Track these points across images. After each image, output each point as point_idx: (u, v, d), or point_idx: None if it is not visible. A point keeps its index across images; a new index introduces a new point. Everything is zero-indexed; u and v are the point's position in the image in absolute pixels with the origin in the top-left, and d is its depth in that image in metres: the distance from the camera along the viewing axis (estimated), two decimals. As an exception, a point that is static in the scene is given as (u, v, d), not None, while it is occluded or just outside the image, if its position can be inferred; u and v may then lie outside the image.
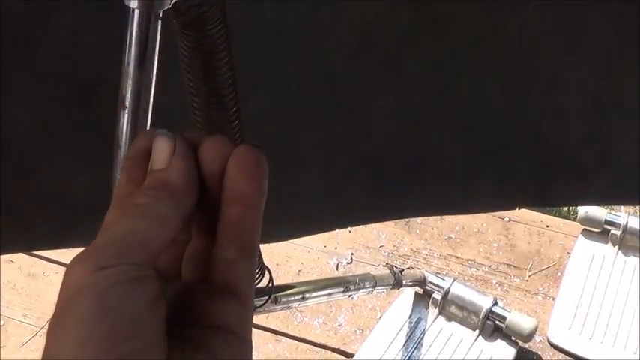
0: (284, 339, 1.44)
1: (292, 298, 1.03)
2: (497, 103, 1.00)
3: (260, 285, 0.88)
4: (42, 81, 0.82)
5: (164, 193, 0.40)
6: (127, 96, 0.64)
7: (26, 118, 0.84)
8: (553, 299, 1.50)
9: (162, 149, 0.42)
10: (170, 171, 0.41)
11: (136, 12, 0.61)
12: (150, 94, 0.64)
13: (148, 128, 0.66)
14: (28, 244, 1.08)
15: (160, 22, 0.61)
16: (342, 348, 1.43)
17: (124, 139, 0.66)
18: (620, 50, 0.95)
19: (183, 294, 0.41)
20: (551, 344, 1.43)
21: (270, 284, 0.90)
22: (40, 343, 1.44)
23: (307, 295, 1.07)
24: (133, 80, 0.63)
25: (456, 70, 0.94)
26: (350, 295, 1.22)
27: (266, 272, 0.88)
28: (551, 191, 1.12)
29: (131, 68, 0.62)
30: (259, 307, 0.94)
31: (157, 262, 0.38)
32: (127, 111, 0.64)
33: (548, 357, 1.41)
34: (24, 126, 0.84)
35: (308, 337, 1.45)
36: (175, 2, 0.61)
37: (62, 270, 1.52)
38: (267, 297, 0.94)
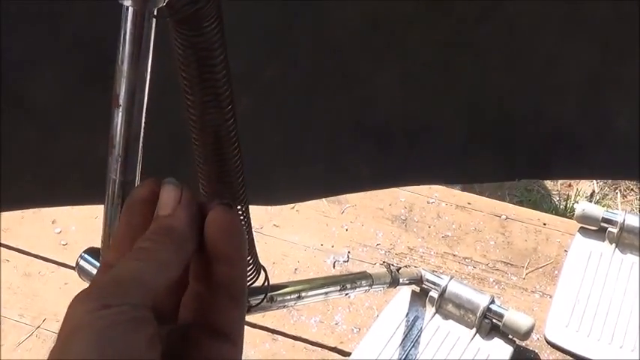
0: (280, 338, 1.44)
1: (288, 298, 1.03)
2: (497, 77, 1.02)
3: (256, 284, 0.87)
4: (66, 47, 0.84)
5: (168, 238, 0.42)
6: (121, 94, 0.63)
7: (50, 83, 0.87)
8: (550, 297, 1.50)
9: (169, 197, 0.44)
10: (175, 218, 0.43)
11: (130, 10, 0.60)
12: (144, 92, 0.64)
13: (142, 129, 0.66)
14: (53, 200, 1.14)
15: (154, 20, 0.61)
16: (339, 347, 1.43)
17: (118, 138, 0.66)
18: (619, 27, 0.96)
19: (179, 335, 0.43)
20: (549, 342, 1.43)
21: (266, 284, 0.89)
22: (36, 342, 1.43)
23: (304, 294, 1.06)
24: (127, 78, 0.62)
25: (459, 46, 0.97)
26: (347, 294, 1.21)
27: (262, 272, 0.87)
28: (550, 165, 1.15)
29: (125, 66, 0.61)
30: (255, 306, 0.93)
31: (155, 303, 0.40)
32: (121, 109, 0.64)
33: (546, 355, 1.41)
34: (48, 90, 0.88)
35: (304, 336, 1.44)
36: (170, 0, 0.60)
37: (58, 269, 1.53)
38: (263, 296, 0.93)
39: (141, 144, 0.68)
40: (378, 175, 1.18)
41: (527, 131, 1.11)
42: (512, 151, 1.14)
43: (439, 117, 1.09)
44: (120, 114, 0.64)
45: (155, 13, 0.60)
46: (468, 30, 0.97)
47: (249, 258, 0.82)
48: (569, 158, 1.14)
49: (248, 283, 0.84)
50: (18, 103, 0.91)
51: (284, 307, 1.06)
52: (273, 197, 1.25)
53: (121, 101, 0.63)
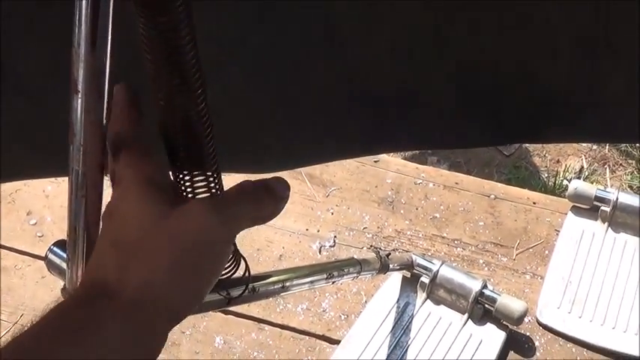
0: (267, 327, 1.40)
1: (272, 288, 0.98)
2: (489, 42, 1.01)
3: (236, 276, 0.83)
4: (52, 15, 0.81)
5: None
6: (79, 80, 0.58)
7: (36, 52, 0.88)
8: (541, 278, 1.47)
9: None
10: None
11: None
12: (104, 77, 0.59)
13: (104, 116, 0.62)
14: (45, 171, 1.20)
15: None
16: (327, 334, 1.39)
17: (78, 126, 0.61)
18: None
19: None
20: (540, 324, 1.40)
21: (247, 274, 0.85)
22: (13, 338, 1.38)
23: (288, 284, 1.02)
24: (85, 63, 0.57)
25: (450, 11, 0.96)
26: (334, 282, 1.17)
27: (242, 262, 0.83)
28: (541, 129, 1.15)
29: (82, 50, 0.56)
30: (237, 298, 0.89)
31: None
32: (79, 96, 0.59)
33: (537, 337, 1.38)
34: (35, 60, 0.89)
35: (291, 324, 1.41)
36: None
37: (34, 262, 1.48)
38: (244, 287, 0.89)
39: (104, 131, 0.64)
40: (368, 141, 1.17)
41: (518, 95, 1.09)
42: (502, 114, 1.12)
43: (429, 82, 1.07)
44: (79, 101, 0.59)
45: None
46: None
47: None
48: (560, 122, 1.13)
49: (227, 275, 0.80)
50: (4, 75, 0.91)
51: (267, 297, 1.03)
52: (262, 164, 1.23)
53: (79, 87, 0.58)
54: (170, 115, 0.63)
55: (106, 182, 0.73)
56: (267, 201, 0.66)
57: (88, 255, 0.77)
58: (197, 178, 0.66)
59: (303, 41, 0.98)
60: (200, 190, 0.67)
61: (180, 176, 0.66)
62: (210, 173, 0.67)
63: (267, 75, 1.02)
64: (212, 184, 0.68)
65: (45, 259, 0.95)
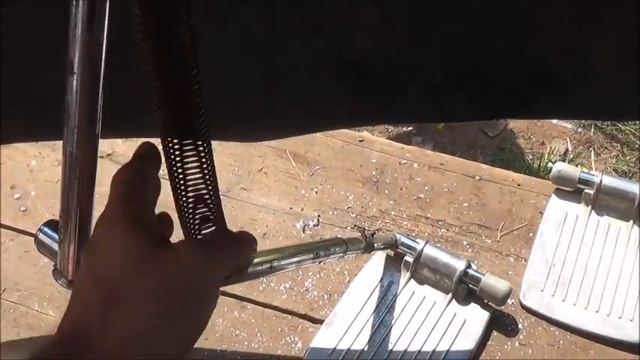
0: (249, 305, 1.40)
1: (260, 269, 0.98)
2: (478, 17, 1.02)
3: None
4: None
5: None
6: (75, 61, 0.57)
7: (25, 19, 0.87)
8: (525, 261, 1.47)
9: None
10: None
11: None
12: (101, 59, 0.58)
13: (99, 97, 0.62)
14: (34, 134, 1.24)
15: None
16: (310, 314, 1.39)
17: (73, 108, 0.61)
18: None
19: None
20: (524, 307, 1.40)
21: None
22: (-4, 313, 1.37)
23: (275, 263, 1.02)
24: (81, 43, 0.56)
25: None
26: (320, 262, 1.17)
27: None
28: (529, 104, 1.16)
29: (79, 30, 0.56)
30: (225, 279, 0.88)
31: None
32: (75, 77, 0.58)
33: (521, 320, 1.38)
34: (23, 26, 0.88)
35: (274, 303, 1.40)
36: None
37: (17, 236, 1.47)
38: (232, 269, 0.88)
39: (99, 113, 0.63)
40: (356, 113, 1.19)
41: (507, 70, 1.10)
42: (490, 89, 1.13)
43: (418, 56, 1.08)
44: (74, 82, 0.59)
45: None
46: None
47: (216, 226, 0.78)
48: (547, 97, 1.14)
49: None
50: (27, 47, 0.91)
51: (256, 278, 1.03)
52: (251, 134, 1.31)
53: (75, 68, 0.57)
54: (163, 93, 0.62)
55: (100, 164, 0.72)
56: (245, 249, 0.71)
57: (80, 236, 0.77)
58: (187, 147, 0.66)
59: (292, 14, 0.98)
60: (189, 159, 0.67)
61: (170, 145, 0.65)
62: (200, 142, 0.67)
63: (255, 47, 1.02)
64: (202, 154, 0.68)
65: (35, 238, 0.95)
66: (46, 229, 0.95)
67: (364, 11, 1.00)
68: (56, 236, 0.90)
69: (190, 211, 0.72)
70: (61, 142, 0.75)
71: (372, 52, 1.07)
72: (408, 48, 1.07)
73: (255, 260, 0.99)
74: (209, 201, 0.73)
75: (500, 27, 1.03)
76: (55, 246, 0.88)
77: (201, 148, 0.68)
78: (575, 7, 1.00)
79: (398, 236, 1.40)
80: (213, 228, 0.74)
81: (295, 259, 1.09)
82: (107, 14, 0.58)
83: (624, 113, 1.36)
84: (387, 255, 1.43)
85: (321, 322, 1.36)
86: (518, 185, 1.62)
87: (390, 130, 2.84)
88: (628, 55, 1.04)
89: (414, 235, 1.50)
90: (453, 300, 1.36)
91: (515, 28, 1.04)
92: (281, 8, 0.98)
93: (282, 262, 1.06)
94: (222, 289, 1.37)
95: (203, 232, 0.74)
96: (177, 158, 0.66)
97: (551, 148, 2.47)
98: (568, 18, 1.01)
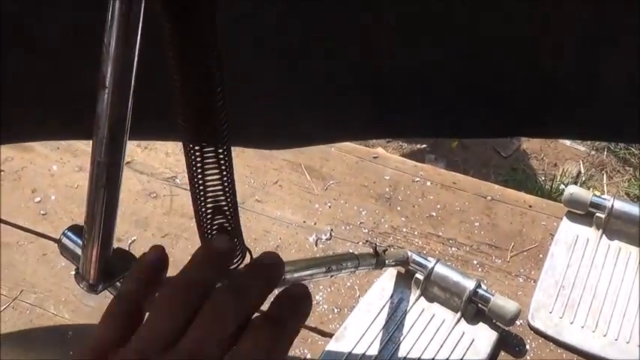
0: (261, 317, 1.41)
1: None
2: (492, 35, 1.04)
3: (241, 267, 0.84)
4: None
5: None
6: (107, 76, 0.60)
7: (62, 20, 0.90)
8: (534, 282, 1.48)
9: None
10: None
11: None
12: (132, 74, 0.61)
13: (128, 110, 0.64)
14: (69, 134, 1.23)
15: (143, 2, 0.57)
16: (320, 327, 1.40)
17: (103, 120, 0.63)
18: None
19: None
20: (532, 328, 1.41)
21: None
22: (12, 314, 1.40)
23: (289, 276, 1.04)
24: (114, 60, 0.59)
25: (455, 2, 0.99)
26: (332, 276, 1.19)
27: (247, 254, 0.84)
28: (541, 123, 1.18)
29: (112, 48, 0.59)
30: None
31: None
32: (106, 91, 0.61)
33: (529, 341, 1.39)
34: (60, 27, 0.91)
35: (285, 316, 1.41)
36: None
37: (37, 240, 1.49)
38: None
39: (128, 125, 0.65)
40: (371, 126, 1.21)
41: (520, 89, 1.12)
42: (503, 107, 1.15)
43: (433, 72, 1.10)
44: (106, 96, 0.61)
45: None
46: None
47: (234, 239, 0.79)
48: (558, 117, 1.15)
49: (234, 266, 0.81)
50: (30, 41, 0.93)
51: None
52: (272, 142, 1.33)
53: (107, 83, 0.60)
54: (188, 104, 0.64)
55: (127, 173, 0.75)
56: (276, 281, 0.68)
57: (103, 242, 0.79)
58: (208, 157, 0.68)
59: (314, 29, 1.01)
60: (209, 163, 0.69)
61: (192, 150, 0.67)
62: (221, 150, 0.69)
63: (276, 59, 1.06)
64: (222, 160, 0.70)
65: (58, 242, 0.97)
66: (70, 233, 0.97)
67: (381, 25, 1.02)
68: (79, 241, 0.92)
69: (208, 220, 0.74)
70: (80, 145, 0.77)
71: (388, 68, 1.09)
72: (423, 64, 1.09)
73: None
74: (227, 212, 0.74)
75: (514, 45, 1.05)
76: (78, 250, 0.91)
77: (222, 158, 0.70)
78: (587, 28, 1.01)
79: (409, 254, 1.41)
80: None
81: (307, 273, 1.11)
82: (139, 34, 0.60)
83: (635, 135, 1.38)
84: (397, 272, 1.45)
85: (330, 335, 1.37)
86: (530, 206, 1.64)
87: (404, 147, 2.86)
88: None
89: (424, 252, 1.52)
90: (462, 319, 1.37)
91: (528, 48, 1.06)
92: (303, 22, 1.01)
93: (295, 275, 1.08)
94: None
95: None
96: (199, 167, 0.68)
97: (563, 170, 2.48)
98: (580, 39, 1.03)
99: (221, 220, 0.74)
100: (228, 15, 0.97)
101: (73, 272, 0.92)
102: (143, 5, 0.58)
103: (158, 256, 0.60)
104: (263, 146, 1.42)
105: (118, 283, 0.85)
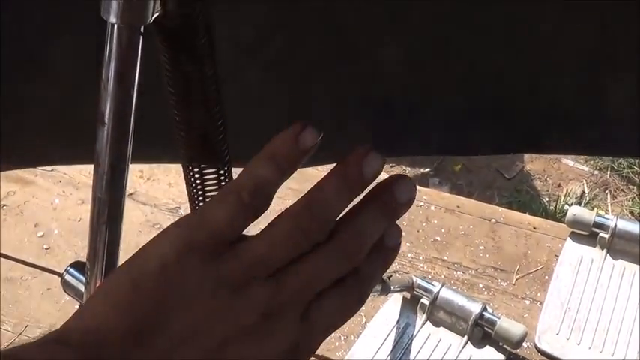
0: (267, 345, 1.41)
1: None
2: (496, 53, 1.06)
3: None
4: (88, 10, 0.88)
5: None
6: (106, 112, 0.60)
7: (72, 45, 0.91)
8: (540, 303, 1.48)
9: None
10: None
11: (116, 27, 0.57)
12: (131, 110, 0.61)
13: (129, 146, 0.64)
14: (76, 158, 1.18)
15: (141, 37, 0.58)
16: (326, 355, 1.40)
17: (103, 157, 0.64)
18: (616, 7, 0.99)
19: None
20: (539, 350, 1.41)
21: None
22: (16, 350, 1.39)
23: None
24: (112, 96, 0.59)
25: (460, 23, 1.01)
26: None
27: None
28: (543, 139, 1.19)
29: (110, 84, 0.59)
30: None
31: None
32: (106, 128, 0.62)
33: (536, 363, 1.39)
34: (71, 53, 0.92)
35: (292, 344, 1.41)
36: (157, 16, 0.57)
37: (41, 274, 1.50)
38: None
39: (128, 161, 0.66)
40: (378, 145, 1.18)
41: (524, 106, 1.13)
42: (508, 125, 1.16)
43: (438, 91, 1.12)
44: (105, 132, 0.62)
45: (142, 30, 0.58)
46: (469, 6, 1.00)
47: None
48: (561, 133, 1.16)
49: None
50: (42, 67, 0.94)
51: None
52: None
53: (106, 119, 0.60)
54: (188, 132, 0.65)
55: (130, 204, 0.75)
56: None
57: (107, 277, 0.79)
58: (208, 176, 0.69)
59: (320, 48, 1.03)
60: (209, 183, 0.69)
61: (192, 171, 0.68)
62: (222, 172, 0.70)
63: (283, 78, 1.07)
64: (222, 181, 0.70)
65: (61, 279, 0.97)
66: (72, 270, 0.97)
67: (388, 46, 1.04)
68: (82, 277, 0.92)
69: None
70: (82, 177, 0.77)
71: (394, 87, 1.11)
72: (428, 82, 1.10)
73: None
74: None
75: (517, 64, 1.07)
76: (81, 287, 0.91)
77: (222, 180, 0.71)
78: (589, 46, 1.03)
79: (414, 279, 1.41)
80: None
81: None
82: (137, 70, 0.61)
83: (635, 151, 1.39)
84: (403, 297, 1.45)
85: (338, 363, 1.37)
86: (534, 228, 1.64)
87: (407, 171, 2.86)
88: None
89: (430, 277, 1.52)
90: (469, 343, 1.37)
91: (530, 65, 1.07)
92: (308, 43, 1.02)
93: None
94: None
95: None
96: (199, 186, 0.69)
97: (567, 190, 2.47)
98: (582, 56, 1.04)
99: None
100: (233, 40, 1.00)
101: (77, 306, 0.92)
102: (141, 40, 0.59)
103: (315, 141, 0.46)
104: None
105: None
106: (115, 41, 0.58)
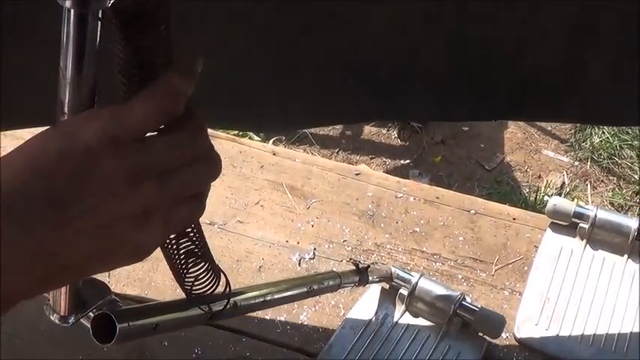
0: (244, 338, 1.40)
1: (253, 302, 0.99)
2: (481, 24, 1.08)
3: (217, 291, 0.83)
4: None
5: None
6: (66, 102, 0.59)
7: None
8: (520, 294, 1.48)
9: None
10: None
11: (72, 12, 0.55)
12: (93, 98, 0.60)
13: None
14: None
15: (99, 22, 0.56)
16: (305, 347, 1.39)
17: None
18: None
19: None
20: (518, 341, 1.40)
21: (228, 289, 0.85)
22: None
23: (269, 297, 1.03)
24: (72, 85, 0.58)
25: None
26: (314, 296, 1.17)
27: (222, 277, 0.83)
28: (526, 107, 1.23)
29: (69, 72, 0.57)
30: (218, 313, 0.89)
31: None
32: (66, 117, 0.60)
33: (515, 354, 1.38)
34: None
35: (269, 337, 1.40)
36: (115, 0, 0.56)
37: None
38: (225, 302, 0.89)
39: None
40: (363, 110, 1.26)
41: (506, 76, 1.15)
42: (490, 93, 1.19)
43: (422, 59, 1.14)
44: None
45: (100, 15, 0.56)
46: None
47: (206, 265, 0.78)
48: (543, 102, 1.19)
49: (208, 290, 0.80)
50: (35, 34, 0.96)
51: (249, 312, 1.03)
52: (262, 126, 1.46)
53: (66, 109, 0.58)
54: None
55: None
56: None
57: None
58: None
59: (305, 16, 1.04)
60: None
61: None
62: None
63: (269, 46, 1.09)
64: None
65: None
66: None
67: (373, 13, 1.05)
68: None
69: (173, 245, 0.73)
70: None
71: (380, 53, 1.12)
72: (413, 50, 1.11)
73: (249, 294, 1.00)
74: (192, 234, 0.73)
75: (501, 33, 1.09)
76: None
77: None
78: (572, 20, 1.04)
79: (393, 269, 1.40)
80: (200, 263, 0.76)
81: (288, 294, 1.10)
82: (96, 58, 0.59)
83: (624, 118, 1.40)
84: (382, 288, 1.43)
85: (315, 355, 1.36)
86: (514, 219, 1.63)
87: (387, 163, 2.85)
88: (626, 62, 1.07)
89: (409, 268, 1.51)
90: (447, 333, 1.36)
91: (515, 35, 1.09)
92: (294, 11, 1.03)
93: (276, 297, 1.07)
94: (217, 322, 1.38)
95: (190, 268, 0.75)
96: None
97: (547, 181, 2.48)
98: (565, 29, 1.06)
99: (187, 244, 0.73)
100: (224, 10, 1.00)
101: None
102: (99, 27, 0.57)
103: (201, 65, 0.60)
104: (255, 130, 1.45)
105: (90, 314, 0.83)
106: (71, 27, 0.56)
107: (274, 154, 1.74)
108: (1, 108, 1.06)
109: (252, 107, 1.20)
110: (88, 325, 0.81)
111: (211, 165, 0.62)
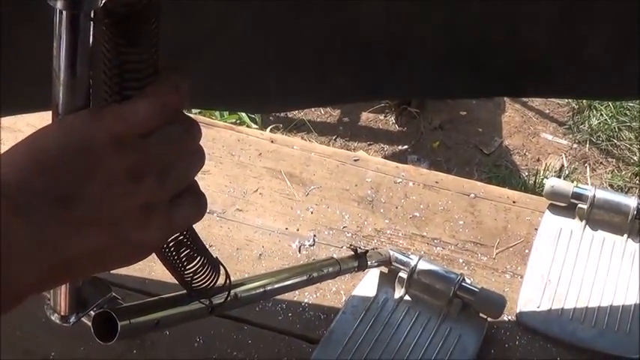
0: (246, 326, 1.40)
1: (253, 293, 0.99)
2: (474, 4, 1.10)
3: (218, 284, 0.83)
4: None
5: None
6: (60, 103, 0.59)
7: None
8: (521, 277, 1.47)
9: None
10: None
11: (64, 13, 0.55)
12: (88, 100, 0.59)
13: None
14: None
15: (91, 23, 0.56)
16: (306, 334, 1.39)
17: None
18: None
19: None
20: (520, 323, 1.40)
21: (228, 282, 0.85)
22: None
23: (269, 287, 1.03)
24: (65, 87, 0.58)
25: None
26: (315, 283, 1.17)
27: (221, 269, 0.83)
28: (522, 84, 1.24)
29: (62, 74, 0.57)
30: (219, 305, 0.89)
31: None
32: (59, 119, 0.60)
33: (518, 336, 1.38)
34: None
35: (271, 324, 1.40)
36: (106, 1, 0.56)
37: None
38: (226, 294, 0.89)
39: None
40: (361, 88, 1.27)
41: (503, 52, 1.17)
42: (486, 70, 1.20)
43: (419, 38, 1.15)
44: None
45: (92, 15, 0.56)
46: None
47: (202, 259, 0.78)
48: (538, 78, 1.20)
49: (209, 284, 0.80)
50: (32, 19, 0.93)
51: (249, 303, 1.03)
52: (263, 106, 1.45)
53: (60, 111, 0.58)
54: None
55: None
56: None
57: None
58: None
59: None
60: None
61: None
62: None
63: (269, 26, 1.10)
64: None
65: None
66: None
67: None
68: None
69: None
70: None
71: (377, 32, 1.13)
72: (410, 28, 1.12)
73: (249, 286, 1.00)
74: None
75: (496, 10, 1.09)
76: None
77: None
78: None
79: (391, 253, 1.40)
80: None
81: (288, 283, 1.10)
82: (89, 59, 0.59)
83: (624, 93, 1.40)
84: (381, 272, 1.43)
85: (318, 341, 1.36)
86: (514, 202, 1.63)
87: (385, 149, 2.85)
88: (624, 37, 1.07)
89: (410, 253, 1.50)
90: (448, 315, 1.36)
91: (508, 15, 1.09)
92: None
93: (276, 286, 1.07)
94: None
95: (184, 260, 0.75)
96: None
97: (546, 164, 2.47)
98: (559, 6, 1.07)
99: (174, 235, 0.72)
100: None
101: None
102: (92, 28, 0.57)
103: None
104: (255, 111, 1.46)
105: (91, 312, 0.83)
106: (63, 29, 0.55)
107: (272, 142, 1.73)
108: (3, 93, 1.06)
109: (253, 88, 1.21)
110: (89, 324, 0.81)
111: (201, 156, 0.63)
